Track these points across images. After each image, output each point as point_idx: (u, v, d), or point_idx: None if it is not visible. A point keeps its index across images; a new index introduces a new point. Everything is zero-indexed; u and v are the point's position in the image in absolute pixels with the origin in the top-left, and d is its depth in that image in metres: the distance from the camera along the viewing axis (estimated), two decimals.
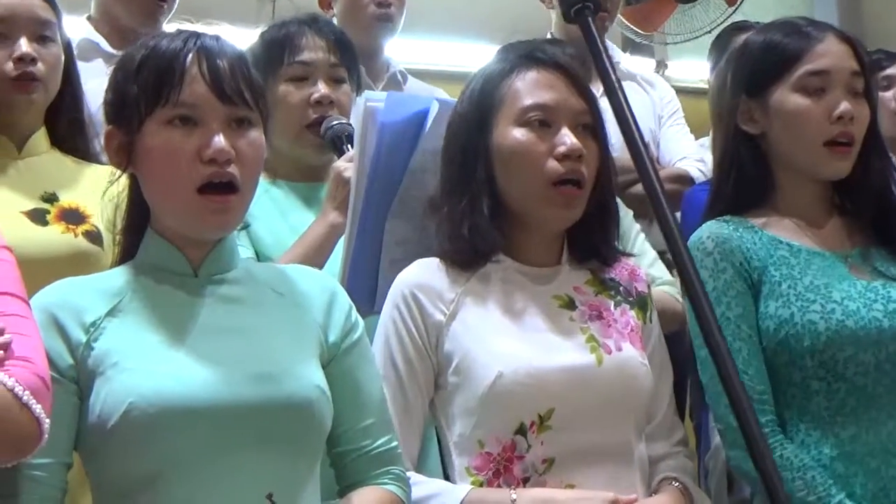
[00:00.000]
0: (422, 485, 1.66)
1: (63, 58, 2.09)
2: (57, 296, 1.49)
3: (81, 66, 2.21)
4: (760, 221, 1.88)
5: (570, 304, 1.74)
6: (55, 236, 1.99)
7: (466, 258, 1.73)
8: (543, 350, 1.67)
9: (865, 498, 1.72)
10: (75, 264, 1.91)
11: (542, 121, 1.71)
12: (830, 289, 1.79)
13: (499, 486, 1.64)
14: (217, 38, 1.52)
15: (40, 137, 2.10)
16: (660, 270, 2.41)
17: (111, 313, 1.47)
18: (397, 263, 1.81)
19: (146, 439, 1.38)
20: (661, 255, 2.44)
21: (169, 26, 2.54)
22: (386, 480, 1.56)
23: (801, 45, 1.85)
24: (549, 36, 3.05)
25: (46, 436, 1.33)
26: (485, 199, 1.71)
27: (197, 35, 1.51)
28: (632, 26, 3.91)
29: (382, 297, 1.77)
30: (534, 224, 1.75)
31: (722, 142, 1.95)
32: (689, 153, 3.01)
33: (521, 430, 1.64)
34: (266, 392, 1.44)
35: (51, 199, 2.04)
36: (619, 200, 1.90)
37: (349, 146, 2.05)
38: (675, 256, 1.22)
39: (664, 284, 2.35)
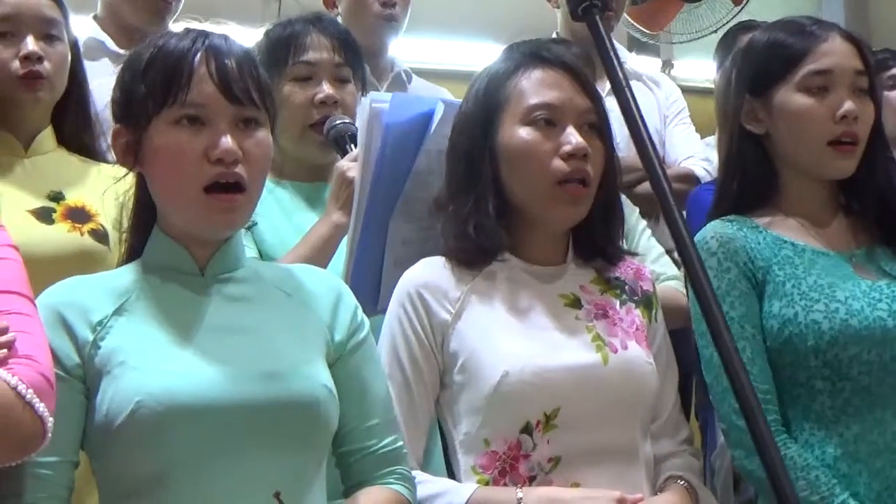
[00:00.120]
0: (428, 484, 1.66)
1: (70, 56, 2.10)
2: (64, 294, 1.49)
3: (87, 65, 2.21)
4: (765, 221, 1.88)
5: (576, 303, 1.75)
6: (61, 235, 2.00)
7: (472, 257, 1.74)
8: (549, 349, 1.67)
9: (869, 497, 1.72)
10: (81, 263, 1.91)
11: (548, 120, 1.71)
12: (834, 288, 1.78)
13: (504, 484, 1.64)
14: (225, 37, 1.52)
15: (47, 136, 2.10)
16: (665, 266, 2.40)
17: (118, 312, 1.47)
18: (402, 263, 1.82)
19: (154, 438, 1.38)
20: (668, 253, 2.44)
21: (176, 25, 2.54)
22: (391, 480, 1.56)
23: (804, 45, 1.85)
24: (554, 35, 3.05)
25: (50, 434, 1.33)
26: (490, 199, 1.71)
27: (205, 34, 1.51)
28: (638, 25, 3.91)
29: (386, 297, 1.78)
30: (539, 223, 1.75)
31: (726, 142, 1.95)
32: (694, 152, 3.01)
33: (527, 429, 1.64)
34: (273, 391, 1.44)
35: (57, 197, 2.05)
36: (624, 198, 1.90)
37: (352, 146, 2.05)
38: (683, 255, 1.22)
39: (670, 280, 2.35)
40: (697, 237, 1.85)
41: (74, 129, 2.13)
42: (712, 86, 3.21)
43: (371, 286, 1.90)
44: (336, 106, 2.14)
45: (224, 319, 1.50)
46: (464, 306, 1.71)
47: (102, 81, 1.99)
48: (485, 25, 4.24)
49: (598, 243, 1.79)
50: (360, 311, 1.61)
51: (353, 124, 2.09)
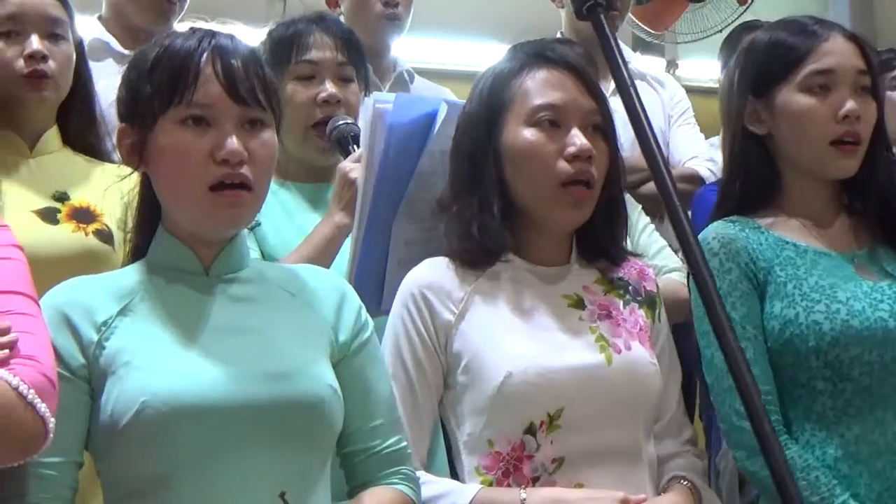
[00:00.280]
0: (431, 484, 1.66)
1: (75, 56, 2.09)
2: (68, 295, 1.49)
3: (92, 65, 2.20)
4: (767, 222, 1.88)
5: (580, 304, 1.75)
6: (66, 235, 1.99)
7: (475, 258, 1.74)
8: (553, 349, 1.67)
9: (870, 498, 1.72)
10: (86, 263, 1.91)
11: (552, 121, 1.71)
12: (836, 289, 1.78)
13: (508, 485, 1.64)
14: (231, 37, 1.52)
15: (52, 136, 2.10)
16: (666, 258, 2.40)
17: (122, 312, 1.47)
18: (405, 264, 1.82)
19: (159, 438, 1.38)
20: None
21: (181, 26, 2.54)
22: (395, 480, 1.56)
23: (806, 45, 1.85)
24: (559, 35, 3.04)
25: (51, 435, 1.33)
26: (494, 199, 1.71)
27: (212, 34, 1.50)
28: (642, 25, 3.91)
29: (390, 298, 1.78)
30: (543, 224, 1.75)
31: (730, 142, 1.95)
32: (699, 153, 3.00)
33: (531, 430, 1.64)
34: (278, 391, 1.44)
35: (62, 197, 2.04)
36: (627, 196, 1.90)
37: (354, 146, 2.05)
38: (688, 256, 1.22)
39: (672, 272, 2.34)
40: (699, 238, 1.85)
41: (79, 129, 2.13)
42: (717, 86, 3.21)
43: (375, 287, 1.90)
44: (339, 105, 2.14)
45: (229, 319, 1.50)
46: (467, 307, 1.71)
47: (107, 82, 1.99)
48: (488, 25, 4.24)
49: (601, 244, 1.79)
50: (364, 311, 1.62)
51: (356, 125, 2.09)
